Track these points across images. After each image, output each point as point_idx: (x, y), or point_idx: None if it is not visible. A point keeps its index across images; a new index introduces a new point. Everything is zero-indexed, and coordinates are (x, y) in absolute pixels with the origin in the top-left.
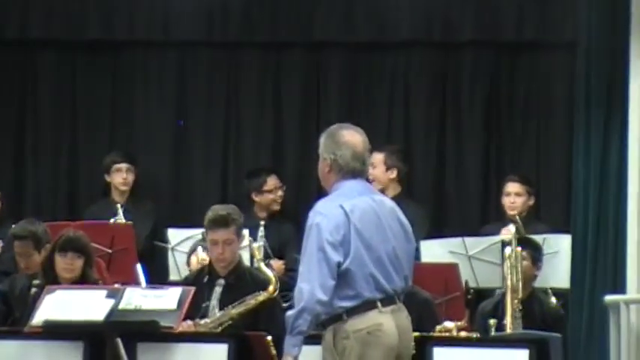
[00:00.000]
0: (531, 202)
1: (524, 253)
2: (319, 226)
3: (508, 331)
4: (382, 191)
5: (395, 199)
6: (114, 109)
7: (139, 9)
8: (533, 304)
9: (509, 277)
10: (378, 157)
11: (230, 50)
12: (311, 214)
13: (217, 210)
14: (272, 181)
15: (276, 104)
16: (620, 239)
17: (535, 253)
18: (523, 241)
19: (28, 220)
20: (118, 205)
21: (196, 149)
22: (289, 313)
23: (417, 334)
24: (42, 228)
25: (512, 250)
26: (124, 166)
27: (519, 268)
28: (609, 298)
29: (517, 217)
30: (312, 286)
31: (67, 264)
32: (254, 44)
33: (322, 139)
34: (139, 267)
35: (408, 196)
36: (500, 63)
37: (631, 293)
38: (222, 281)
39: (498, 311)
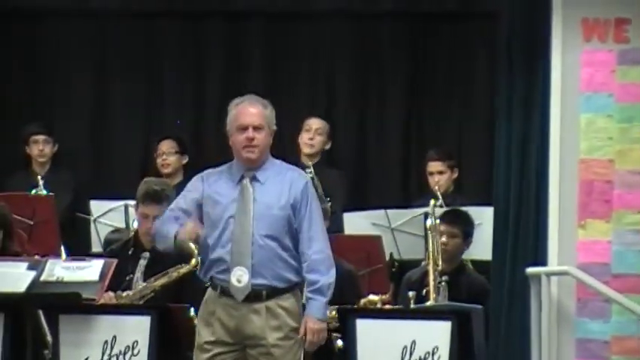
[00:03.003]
0: (455, 175)
1: (455, 230)
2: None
3: (430, 302)
4: (310, 157)
5: (316, 166)
6: (33, 79)
7: None
8: (460, 277)
9: (430, 249)
10: (322, 125)
11: (150, 20)
12: (298, 175)
13: (151, 184)
14: (164, 147)
15: (199, 74)
16: (542, 211)
17: (467, 229)
18: (456, 217)
19: None
20: (39, 177)
21: (118, 119)
22: (326, 279)
23: (339, 306)
24: None
25: (432, 223)
26: (40, 137)
27: (438, 240)
28: (531, 269)
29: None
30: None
31: None
32: (174, 14)
33: (267, 110)
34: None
35: (327, 165)
36: (423, 33)
37: (552, 265)
38: (146, 254)
39: (423, 281)
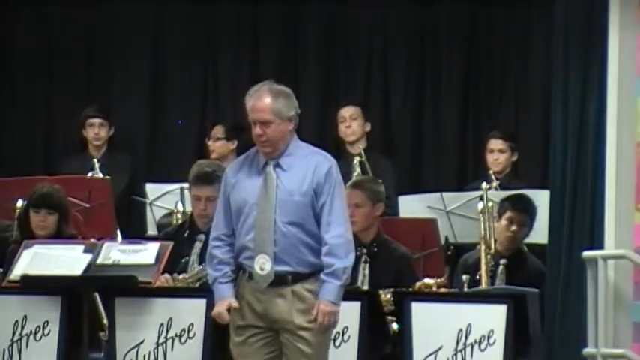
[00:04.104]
0: (514, 158)
1: (525, 218)
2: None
3: (483, 286)
4: (353, 144)
5: (367, 151)
6: (90, 64)
7: None
8: (518, 261)
9: (482, 233)
10: (354, 111)
11: (205, 4)
12: (323, 158)
13: (203, 166)
14: (215, 132)
15: (254, 59)
16: (598, 195)
17: (533, 216)
18: (526, 205)
19: None
20: (95, 160)
21: (174, 104)
22: (342, 263)
23: (394, 289)
24: None
25: (484, 206)
26: (97, 121)
27: (493, 224)
28: (587, 253)
29: (492, 175)
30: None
31: (40, 221)
32: None
33: (278, 101)
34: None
35: (381, 152)
36: (479, 18)
37: (609, 248)
38: (202, 236)
39: (480, 265)
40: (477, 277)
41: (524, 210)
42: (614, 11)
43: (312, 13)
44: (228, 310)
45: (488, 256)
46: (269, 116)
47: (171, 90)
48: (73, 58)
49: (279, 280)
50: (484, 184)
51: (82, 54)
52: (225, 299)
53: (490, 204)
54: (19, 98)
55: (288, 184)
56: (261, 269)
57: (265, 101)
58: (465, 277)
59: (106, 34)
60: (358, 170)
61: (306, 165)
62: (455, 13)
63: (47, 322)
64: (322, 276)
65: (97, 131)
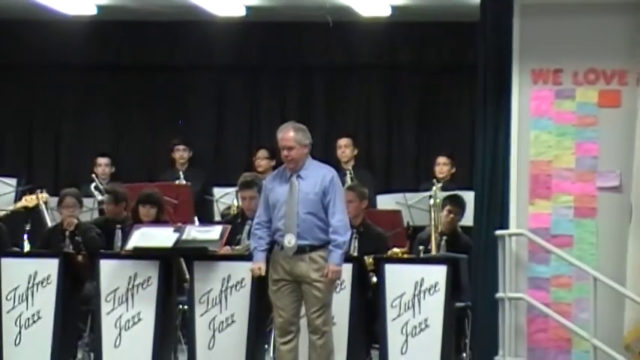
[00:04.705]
0: (453, 170)
1: (458, 210)
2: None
3: (433, 253)
4: (346, 163)
5: (355, 168)
6: (175, 116)
7: (190, 41)
8: (456, 238)
9: (432, 218)
10: (347, 141)
11: (252, 72)
12: (328, 171)
13: (246, 176)
14: (259, 154)
15: (282, 106)
16: (505, 193)
17: (464, 208)
18: (459, 201)
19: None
20: (180, 172)
21: (231, 136)
22: (344, 238)
23: (374, 255)
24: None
25: (434, 201)
26: (181, 147)
27: (438, 213)
28: (498, 232)
29: (435, 181)
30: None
31: (145, 212)
32: (270, 69)
33: (298, 134)
34: None
35: (364, 167)
36: (429, 82)
37: (512, 229)
38: (249, 221)
39: (428, 239)
40: (429, 248)
41: (458, 204)
42: (515, 74)
43: (322, 79)
44: (258, 269)
45: (436, 234)
46: (292, 144)
47: (229, 127)
48: (168, 109)
49: (301, 250)
50: (434, 186)
51: (173, 108)
52: (258, 262)
53: (437, 200)
54: (136, 133)
55: (306, 188)
56: (289, 243)
57: (290, 134)
58: (420, 247)
59: (189, 94)
60: (349, 180)
61: (316, 175)
62: (413, 81)
63: (150, 277)
64: (330, 247)
65: (181, 154)
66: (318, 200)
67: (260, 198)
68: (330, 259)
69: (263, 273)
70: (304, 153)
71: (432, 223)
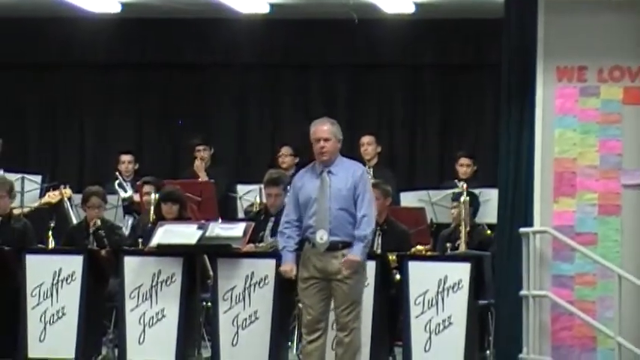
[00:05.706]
0: (475, 168)
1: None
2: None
3: (462, 249)
4: (369, 160)
5: (376, 166)
6: (199, 114)
7: (213, 38)
8: (474, 233)
9: (462, 216)
10: (369, 139)
11: (274, 70)
12: (358, 167)
13: (272, 174)
14: (283, 151)
15: (307, 105)
16: (529, 191)
17: (477, 206)
18: (471, 200)
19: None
20: (203, 170)
21: (255, 135)
22: (366, 232)
23: (397, 252)
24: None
25: (462, 199)
26: (201, 147)
27: (467, 211)
28: (522, 229)
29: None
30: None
31: (167, 209)
32: (290, 67)
33: (334, 127)
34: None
35: (385, 165)
36: (450, 81)
37: (536, 226)
38: (273, 219)
39: (452, 237)
40: (457, 245)
41: (470, 203)
42: (540, 71)
43: (344, 76)
44: (290, 270)
45: (465, 231)
46: (329, 135)
47: (252, 126)
48: (190, 109)
49: (333, 247)
50: (459, 184)
51: (195, 108)
52: (288, 263)
53: (464, 198)
54: (161, 134)
55: (337, 184)
56: (321, 239)
57: (327, 125)
58: (448, 244)
59: (210, 94)
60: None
61: (347, 171)
62: (436, 79)
63: (174, 273)
64: (354, 240)
65: (202, 154)
66: (350, 196)
67: (286, 196)
68: (352, 250)
69: (293, 275)
70: (338, 147)
71: (461, 221)
